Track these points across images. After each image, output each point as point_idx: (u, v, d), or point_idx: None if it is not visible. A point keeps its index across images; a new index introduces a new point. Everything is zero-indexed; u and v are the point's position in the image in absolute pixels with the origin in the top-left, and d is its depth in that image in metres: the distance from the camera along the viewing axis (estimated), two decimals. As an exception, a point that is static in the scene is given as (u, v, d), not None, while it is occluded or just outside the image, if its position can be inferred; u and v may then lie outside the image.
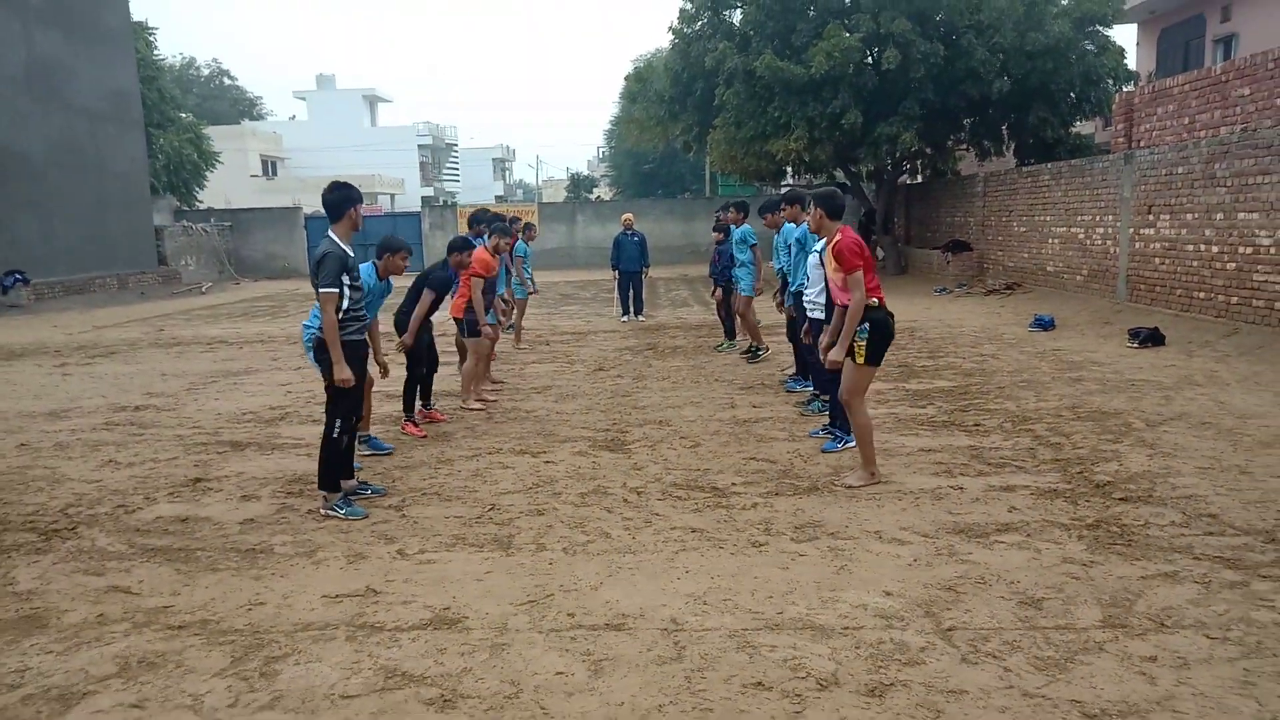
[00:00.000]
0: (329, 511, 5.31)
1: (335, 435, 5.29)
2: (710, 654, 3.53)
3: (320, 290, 5.19)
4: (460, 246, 7.71)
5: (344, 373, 5.17)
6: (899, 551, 4.53)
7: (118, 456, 6.92)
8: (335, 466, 5.37)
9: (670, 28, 21.61)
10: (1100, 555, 4.40)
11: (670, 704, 3.19)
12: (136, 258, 24.98)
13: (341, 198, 5.43)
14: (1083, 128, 21.93)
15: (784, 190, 11.91)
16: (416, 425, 7.42)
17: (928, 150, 21.21)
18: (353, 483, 5.63)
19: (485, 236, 9.23)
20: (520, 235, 12.47)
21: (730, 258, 10.99)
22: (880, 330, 5.50)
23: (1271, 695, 3.13)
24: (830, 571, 4.31)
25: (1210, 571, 4.16)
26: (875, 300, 5.50)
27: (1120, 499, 5.20)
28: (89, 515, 5.49)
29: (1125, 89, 18.52)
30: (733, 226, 10.91)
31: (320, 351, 5.33)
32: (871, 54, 19.14)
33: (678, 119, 22.66)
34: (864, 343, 5.48)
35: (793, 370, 8.97)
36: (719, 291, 11.70)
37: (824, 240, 5.89)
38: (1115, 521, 4.83)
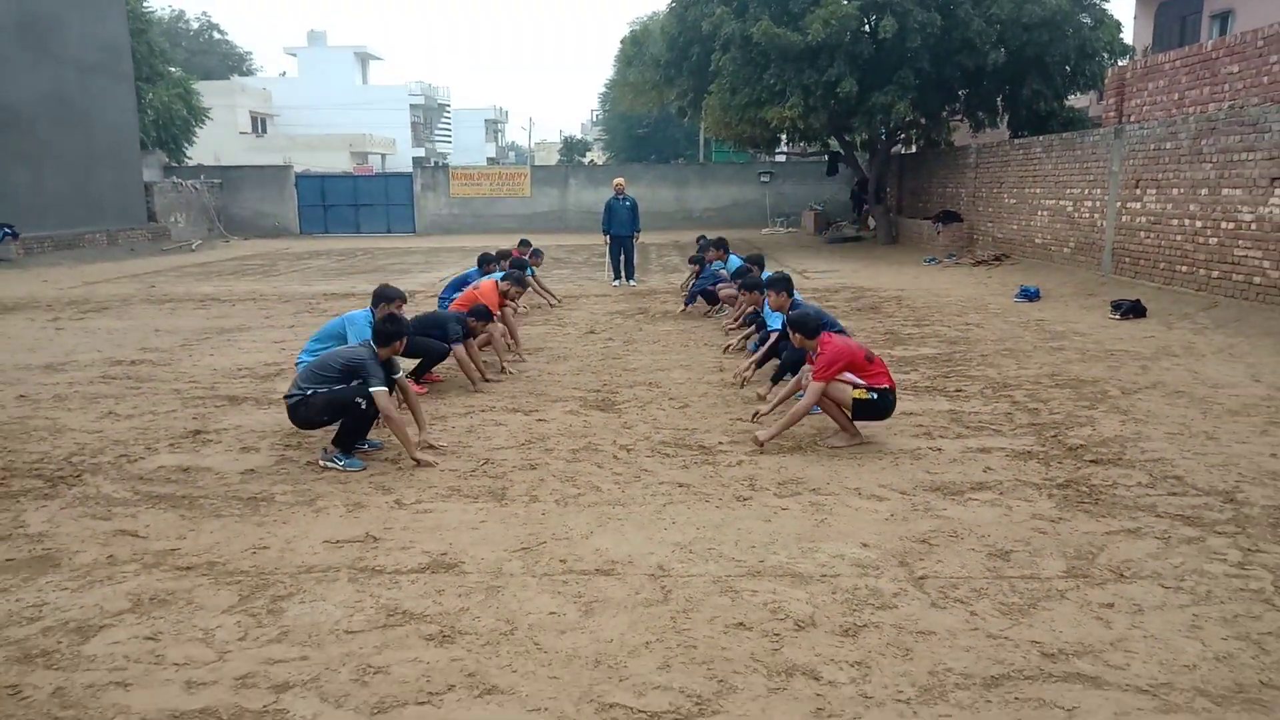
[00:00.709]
0: (327, 463, 5.47)
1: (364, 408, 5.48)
2: (695, 597, 3.74)
3: (373, 390, 5.42)
4: (481, 316, 7.96)
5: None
6: (877, 507, 4.74)
7: (117, 409, 7.06)
8: (354, 433, 5.56)
9: (667, -9, 21.51)
10: (1068, 512, 4.61)
11: (657, 641, 3.39)
12: (126, 213, 24.86)
13: (394, 331, 5.71)
14: (1077, 101, 22.01)
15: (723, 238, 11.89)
16: (419, 383, 7.55)
17: (922, 120, 21.28)
18: None
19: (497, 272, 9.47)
20: (529, 261, 12.56)
21: (711, 278, 11.24)
22: (878, 408, 5.69)
23: (1216, 638, 3.35)
24: (811, 524, 4.52)
25: (1170, 528, 4.39)
26: (884, 387, 5.71)
27: (1091, 461, 5.42)
28: (92, 464, 5.64)
29: (1120, 63, 18.59)
30: (717, 263, 11.23)
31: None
32: (868, 22, 19.13)
33: (673, 84, 22.64)
34: (869, 397, 5.65)
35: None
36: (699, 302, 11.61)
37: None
38: (1084, 482, 5.05)
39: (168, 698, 3.08)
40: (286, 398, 5.78)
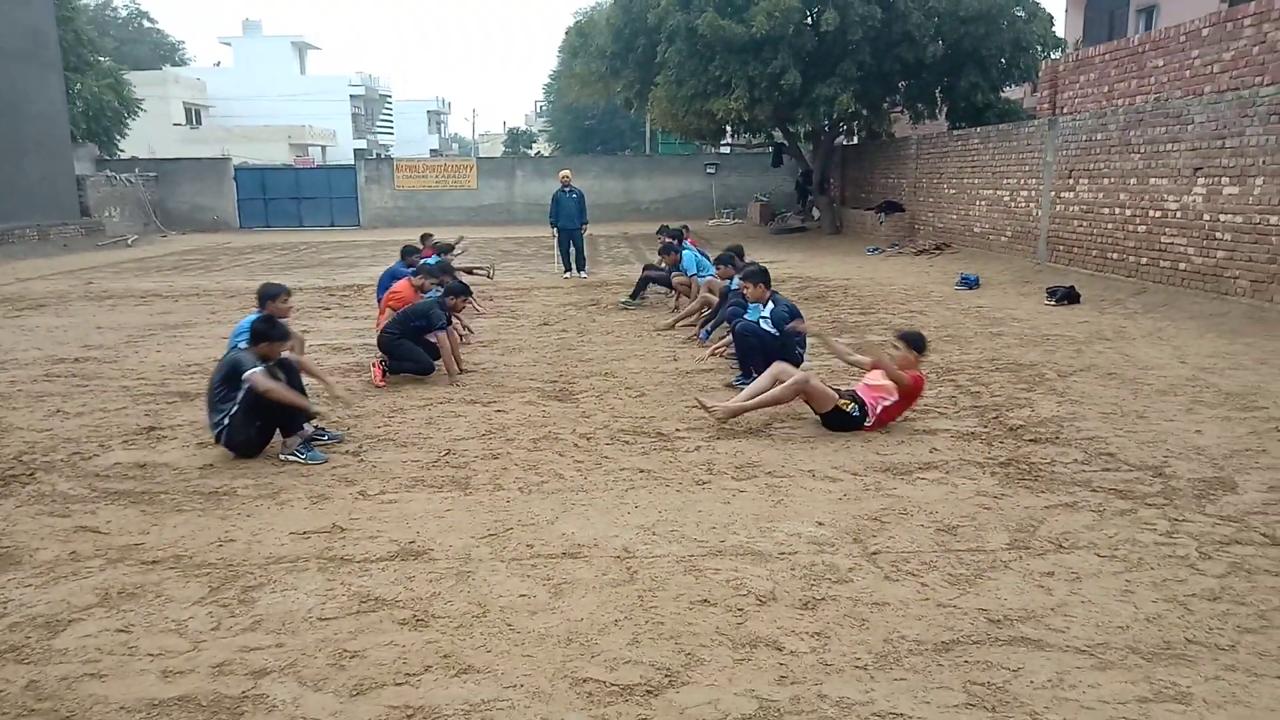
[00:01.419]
0: (288, 457, 5.49)
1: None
2: (660, 577, 3.87)
3: (247, 376, 5.44)
4: (456, 292, 8.09)
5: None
6: (830, 488, 4.93)
7: (65, 407, 6.94)
8: (289, 419, 5.56)
9: (612, -18, 21.53)
10: (1010, 489, 4.86)
11: (625, 619, 3.52)
12: (57, 208, 24.11)
13: (263, 331, 5.69)
14: (1012, 93, 22.63)
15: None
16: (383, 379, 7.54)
17: (864, 112, 21.68)
18: (309, 429, 5.79)
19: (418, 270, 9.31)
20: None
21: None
22: (851, 422, 5.90)
23: (1147, 601, 3.60)
24: (768, 505, 4.68)
25: (1105, 501, 4.65)
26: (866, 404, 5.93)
27: (1030, 440, 5.69)
28: (44, 462, 5.57)
29: (1053, 56, 19.18)
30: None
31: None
32: (811, 15, 19.42)
33: (619, 75, 22.68)
34: (851, 412, 5.87)
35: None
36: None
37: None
38: (1025, 460, 5.31)
39: (145, 687, 3.11)
40: (214, 434, 5.65)
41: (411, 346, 7.59)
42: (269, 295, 6.58)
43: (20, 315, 11.76)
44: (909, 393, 5.92)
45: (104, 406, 6.94)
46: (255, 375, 5.40)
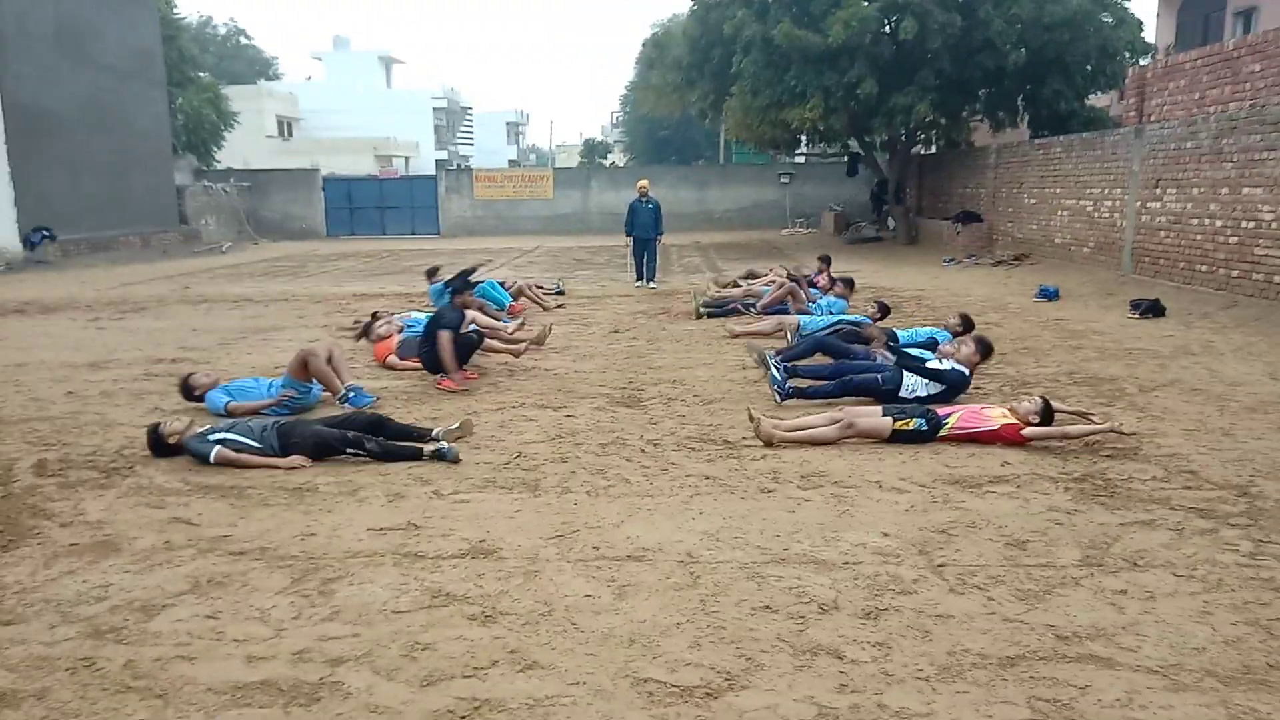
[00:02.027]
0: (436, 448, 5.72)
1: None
2: (722, 582, 3.92)
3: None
4: (460, 288, 8.37)
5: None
6: (897, 499, 4.90)
7: (162, 404, 7.32)
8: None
9: (689, -6, 21.68)
10: (1084, 505, 4.76)
11: (688, 622, 3.57)
12: (159, 216, 25.38)
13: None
14: (1098, 101, 21.99)
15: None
16: (455, 382, 7.74)
17: (942, 121, 21.35)
18: (439, 446, 5.78)
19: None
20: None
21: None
22: (920, 436, 5.91)
23: (1225, 623, 3.49)
24: (833, 515, 4.68)
25: (1184, 520, 4.52)
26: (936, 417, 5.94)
27: (1107, 456, 5.55)
28: (143, 456, 5.89)
29: (1141, 63, 18.58)
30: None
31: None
32: (889, 23, 19.23)
33: (694, 86, 22.77)
34: (913, 426, 5.87)
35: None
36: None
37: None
38: (1100, 476, 5.19)
39: (230, 671, 3.29)
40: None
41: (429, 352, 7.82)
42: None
43: (123, 318, 12.43)
44: (1000, 437, 5.81)
45: (198, 405, 7.29)
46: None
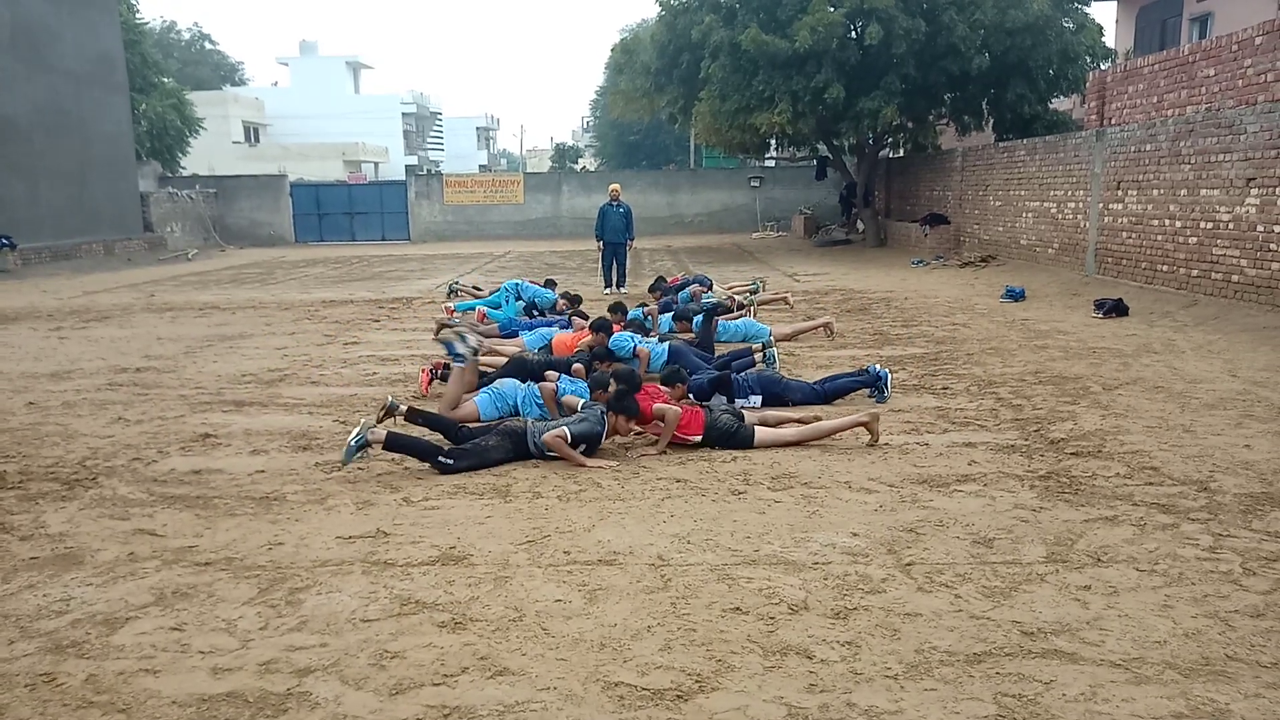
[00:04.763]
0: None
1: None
2: (693, 584, 3.93)
3: None
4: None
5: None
6: (866, 499, 4.94)
7: (126, 414, 7.21)
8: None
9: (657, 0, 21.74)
10: (1049, 502, 4.82)
11: (659, 625, 3.58)
12: (122, 223, 24.98)
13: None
14: (1060, 104, 22.34)
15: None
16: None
17: (909, 124, 21.57)
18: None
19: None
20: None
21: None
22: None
23: (1186, 616, 3.56)
24: (803, 516, 4.71)
25: (1146, 516, 4.60)
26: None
27: (1072, 454, 5.63)
28: (106, 467, 5.80)
29: (1101, 67, 18.90)
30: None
31: None
32: (855, 29, 19.42)
33: (663, 91, 22.84)
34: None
35: None
36: None
37: None
38: (1065, 473, 5.27)
39: (195, 683, 3.25)
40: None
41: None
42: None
43: (86, 326, 12.22)
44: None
45: (162, 414, 7.20)
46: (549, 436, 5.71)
